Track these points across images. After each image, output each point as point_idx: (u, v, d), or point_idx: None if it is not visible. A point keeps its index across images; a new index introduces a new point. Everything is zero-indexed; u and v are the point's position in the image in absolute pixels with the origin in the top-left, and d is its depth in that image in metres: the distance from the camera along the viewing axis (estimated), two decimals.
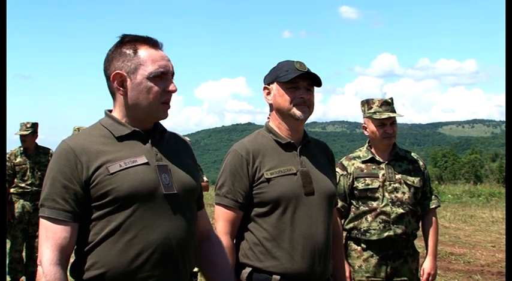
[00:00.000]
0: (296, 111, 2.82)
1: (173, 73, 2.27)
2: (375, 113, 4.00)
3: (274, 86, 2.88)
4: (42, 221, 2.13)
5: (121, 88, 2.25)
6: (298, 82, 2.81)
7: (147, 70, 2.20)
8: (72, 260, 2.19)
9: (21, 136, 7.72)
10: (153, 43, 2.27)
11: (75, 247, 2.18)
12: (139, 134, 2.27)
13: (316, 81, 2.86)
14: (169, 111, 2.31)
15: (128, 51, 2.24)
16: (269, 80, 2.92)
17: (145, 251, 2.12)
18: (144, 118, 2.27)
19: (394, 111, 4.00)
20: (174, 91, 2.24)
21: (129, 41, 2.26)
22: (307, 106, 2.84)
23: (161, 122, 2.39)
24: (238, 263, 2.81)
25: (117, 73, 2.24)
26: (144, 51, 2.23)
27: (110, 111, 2.34)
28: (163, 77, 2.22)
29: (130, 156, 2.19)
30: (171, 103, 2.30)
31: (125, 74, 2.23)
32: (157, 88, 2.21)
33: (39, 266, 2.09)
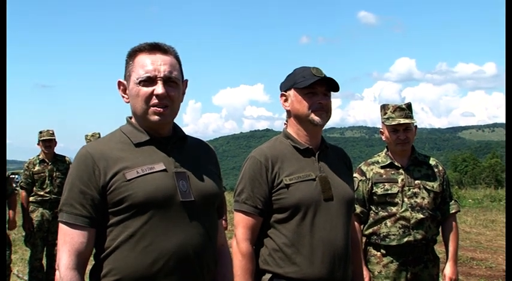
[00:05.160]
0: (314, 117, 2.81)
1: (167, 77, 2.23)
2: (387, 119, 3.99)
3: (292, 93, 2.88)
4: (60, 226, 2.16)
5: (124, 95, 2.31)
6: (315, 88, 2.81)
7: (135, 76, 2.23)
8: (90, 266, 2.20)
9: (46, 141, 7.78)
10: (151, 48, 2.27)
11: (94, 252, 2.19)
12: (157, 141, 2.28)
13: (333, 86, 2.85)
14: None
15: (128, 60, 2.30)
16: (286, 86, 2.92)
17: (161, 258, 2.12)
18: (144, 124, 2.28)
19: (409, 117, 3.96)
20: (160, 95, 2.20)
21: (134, 50, 2.30)
22: (325, 111, 2.84)
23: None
24: (258, 270, 2.80)
25: (118, 81, 2.33)
26: (138, 58, 2.26)
27: (131, 118, 2.36)
28: (152, 81, 2.22)
29: (148, 163, 2.20)
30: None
31: (124, 82, 2.31)
32: (143, 92, 2.21)
33: (56, 271, 2.11)
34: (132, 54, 2.28)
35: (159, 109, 2.22)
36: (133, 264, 2.10)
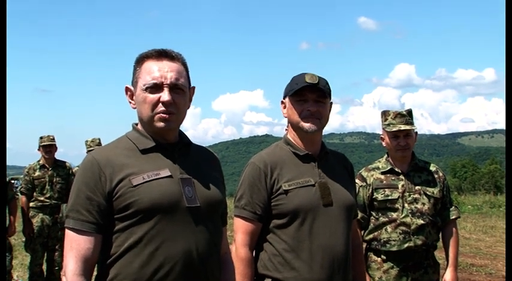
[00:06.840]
0: (304, 124, 2.82)
1: (173, 84, 2.24)
2: (388, 125, 4.01)
3: (287, 100, 2.90)
4: (67, 232, 2.17)
5: (131, 101, 2.32)
6: (306, 95, 2.81)
7: (142, 82, 2.24)
8: (95, 273, 2.21)
9: (46, 147, 7.80)
10: (158, 55, 2.28)
11: (100, 258, 2.19)
12: (163, 147, 2.29)
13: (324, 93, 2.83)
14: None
15: (136, 66, 2.31)
16: (284, 94, 2.95)
17: (167, 264, 2.13)
18: (150, 130, 2.29)
19: (409, 124, 3.98)
20: (166, 102, 2.21)
21: (142, 56, 2.31)
22: (317, 118, 2.82)
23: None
24: (258, 275, 2.82)
25: (126, 87, 2.34)
26: (145, 64, 2.27)
27: (137, 124, 2.37)
28: (159, 88, 2.23)
29: (153, 169, 2.21)
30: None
31: (132, 88, 2.32)
32: (150, 99, 2.22)
33: (63, 277, 2.11)
34: (140, 60, 2.29)
35: (165, 115, 2.23)
36: (140, 269, 2.11)
